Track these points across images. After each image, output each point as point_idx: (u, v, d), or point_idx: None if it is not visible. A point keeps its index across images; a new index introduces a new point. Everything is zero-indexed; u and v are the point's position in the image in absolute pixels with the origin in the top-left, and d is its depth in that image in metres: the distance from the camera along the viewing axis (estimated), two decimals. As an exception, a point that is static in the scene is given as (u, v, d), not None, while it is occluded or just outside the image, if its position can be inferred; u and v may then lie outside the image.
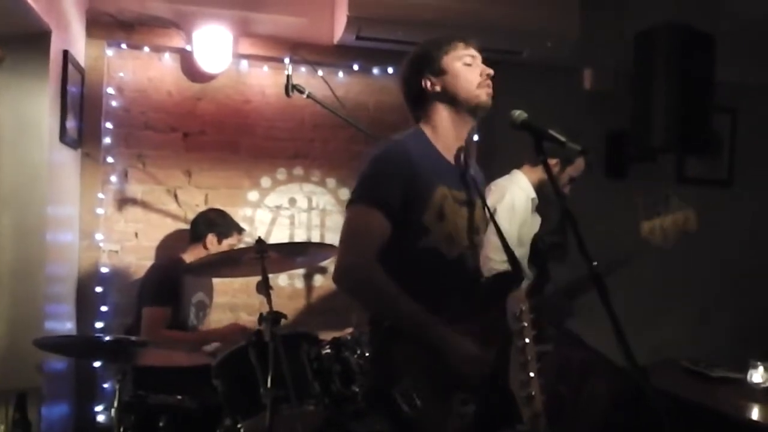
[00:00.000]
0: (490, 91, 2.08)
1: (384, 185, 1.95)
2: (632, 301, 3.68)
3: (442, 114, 2.09)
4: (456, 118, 2.09)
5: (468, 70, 2.07)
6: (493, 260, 2.65)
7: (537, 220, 3.17)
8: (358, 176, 2.03)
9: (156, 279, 3.39)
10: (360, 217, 1.97)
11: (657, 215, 2.19)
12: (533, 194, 3.12)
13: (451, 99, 2.08)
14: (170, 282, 3.32)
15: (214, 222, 3.48)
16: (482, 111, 2.10)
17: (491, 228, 2.24)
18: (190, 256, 3.43)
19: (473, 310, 1.97)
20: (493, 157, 3.84)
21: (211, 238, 3.44)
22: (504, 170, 3.18)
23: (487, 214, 2.20)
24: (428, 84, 2.08)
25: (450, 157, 2.11)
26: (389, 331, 1.93)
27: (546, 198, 3.14)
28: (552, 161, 2.90)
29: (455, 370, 1.85)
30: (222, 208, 3.63)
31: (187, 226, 3.62)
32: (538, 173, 3.09)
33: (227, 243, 3.44)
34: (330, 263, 3.81)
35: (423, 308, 1.88)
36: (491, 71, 2.09)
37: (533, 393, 1.45)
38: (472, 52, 2.10)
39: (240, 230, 3.54)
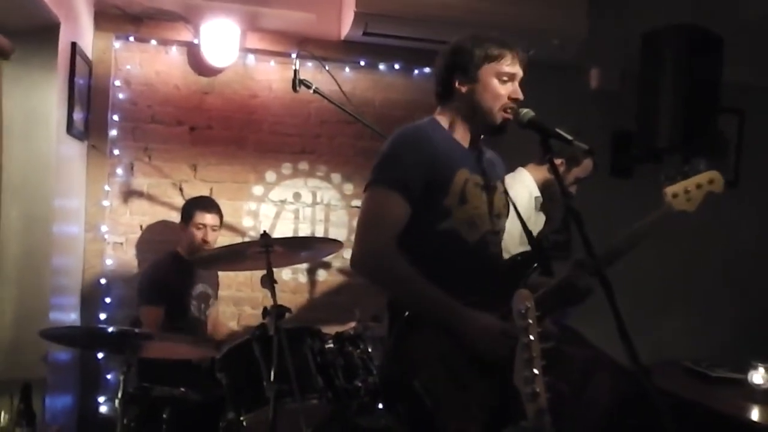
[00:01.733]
0: (509, 117, 2.02)
1: (403, 167, 1.95)
2: (635, 301, 3.67)
3: (461, 114, 2.10)
4: (471, 122, 2.10)
5: (500, 87, 2.03)
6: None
7: (541, 219, 3.17)
8: (377, 157, 2.03)
9: (149, 277, 3.43)
10: (378, 200, 1.97)
11: (681, 178, 2.10)
12: (537, 192, 3.12)
13: (471, 108, 2.07)
14: (163, 279, 3.36)
15: (181, 211, 3.55)
16: (494, 133, 2.10)
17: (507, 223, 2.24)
18: (181, 249, 3.50)
19: (496, 293, 1.95)
20: (499, 155, 3.83)
21: (181, 227, 3.51)
22: (509, 169, 3.18)
23: (507, 198, 2.20)
24: (457, 84, 2.07)
25: (466, 144, 2.12)
26: (407, 323, 1.92)
27: (551, 197, 3.13)
28: (558, 161, 2.90)
29: (473, 346, 1.84)
30: (227, 202, 3.65)
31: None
32: (544, 172, 3.09)
33: (194, 225, 3.44)
34: (334, 258, 3.83)
35: (442, 291, 1.88)
36: (520, 96, 2.04)
37: (538, 390, 1.45)
38: (516, 68, 2.04)
39: (206, 206, 3.49)
